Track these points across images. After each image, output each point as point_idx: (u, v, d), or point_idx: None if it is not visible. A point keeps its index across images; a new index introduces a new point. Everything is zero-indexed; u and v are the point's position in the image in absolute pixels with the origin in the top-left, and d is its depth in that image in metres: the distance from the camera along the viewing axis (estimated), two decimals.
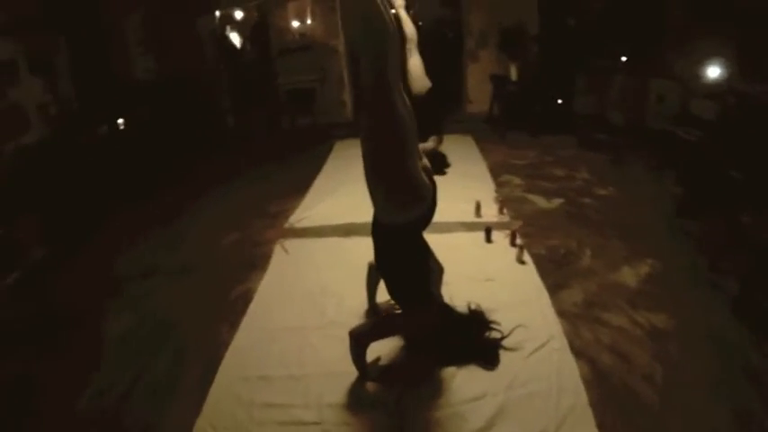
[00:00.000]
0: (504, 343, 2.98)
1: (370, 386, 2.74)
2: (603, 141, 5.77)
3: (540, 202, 4.78)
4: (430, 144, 5.51)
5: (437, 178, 5.26)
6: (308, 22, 6.93)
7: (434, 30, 7.94)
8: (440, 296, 3.11)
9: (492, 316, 3.20)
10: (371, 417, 2.54)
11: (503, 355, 2.92)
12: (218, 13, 6.85)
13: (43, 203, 4.68)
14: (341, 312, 3.37)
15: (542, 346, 3.04)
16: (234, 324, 3.33)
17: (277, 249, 4.42)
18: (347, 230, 4.64)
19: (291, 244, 4.57)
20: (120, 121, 5.93)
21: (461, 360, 2.85)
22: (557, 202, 4.75)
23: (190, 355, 3.12)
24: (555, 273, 3.77)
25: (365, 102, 2.32)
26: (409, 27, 5.28)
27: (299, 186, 5.60)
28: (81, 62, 5.90)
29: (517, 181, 5.23)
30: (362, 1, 2.14)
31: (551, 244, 4.12)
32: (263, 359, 3.00)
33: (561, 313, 3.35)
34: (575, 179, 5.15)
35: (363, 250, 3.90)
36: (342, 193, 5.34)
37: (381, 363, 2.89)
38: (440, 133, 5.55)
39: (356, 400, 2.66)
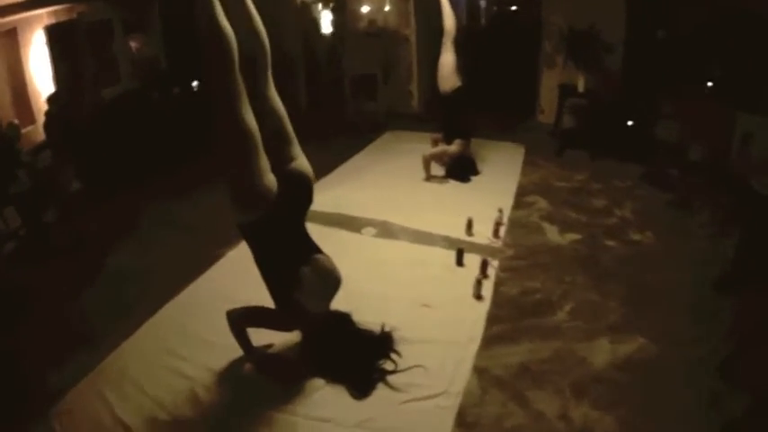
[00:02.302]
0: (390, 378, 2.55)
1: (248, 366, 2.69)
2: (673, 178, 4.40)
3: (552, 234, 3.74)
4: (453, 148, 4.73)
5: (450, 185, 4.74)
6: (386, 8, 6.40)
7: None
8: (324, 306, 2.61)
9: (401, 345, 2.73)
10: (229, 391, 2.54)
11: (380, 390, 2.49)
12: None
13: (103, 148, 4.86)
14: None
15: (428, 397, 2.43)
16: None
17: None
18: (336, 221, 4.24)
19: None
20: (195, 83, 5.98)
21: (335, 377, 2.57)
22: (571, 237, 3.68)
23: (153, 294, 3.28)
24: (511, 321, 2.89)
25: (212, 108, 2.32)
26: (449, 21, 4.62)
27: (327, 169, 5.14)
28: (173, 26, 6.05)
29: (542, 204, 4.19)
30: (205, 8, 2.12)
31: (530, 286, 3.17)
32: (192, 316, 3.08)
33: (481, 370, 2.55)
34: (612, 215, 3.97)
35: (333, 242, 3.73)
36: (354, 185, 4.87)
37: (271, 350, 2.79)
38: (467, 137, 4.74)
39: (231, 373, 2.66)
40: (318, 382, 2.55)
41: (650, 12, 4.78)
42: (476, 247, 3.62)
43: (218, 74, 2.21)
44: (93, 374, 2.67)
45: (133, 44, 5.65)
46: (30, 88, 4.62)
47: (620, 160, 4.69)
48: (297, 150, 2.55)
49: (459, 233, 3.83)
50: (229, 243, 3.71)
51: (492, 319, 2.90)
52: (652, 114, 4.56)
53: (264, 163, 2.35)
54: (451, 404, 2.36)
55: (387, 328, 2.80)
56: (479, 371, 2.53)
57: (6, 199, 3.76)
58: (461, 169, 4.77)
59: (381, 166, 5.27)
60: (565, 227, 3.82)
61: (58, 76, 4.67)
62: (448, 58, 4.62)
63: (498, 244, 3.69)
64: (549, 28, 5.49)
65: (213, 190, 4.66)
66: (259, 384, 2.58)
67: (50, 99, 4.43)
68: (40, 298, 3.40)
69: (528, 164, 5.00)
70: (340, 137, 6.23)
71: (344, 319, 2.79)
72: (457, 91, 4.65)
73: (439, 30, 4.92)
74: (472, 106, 4.82)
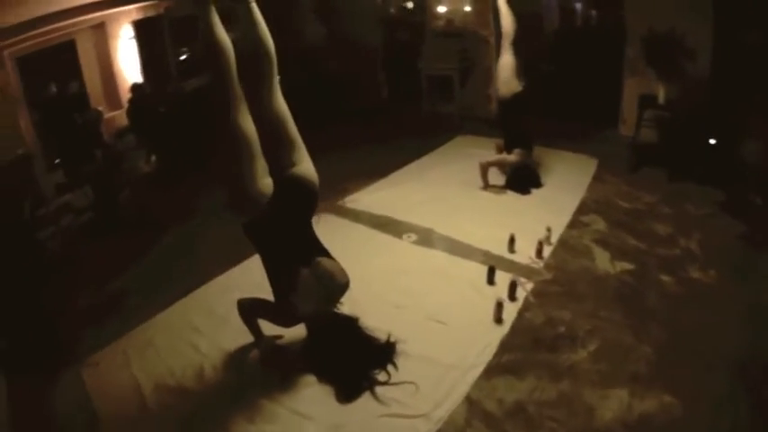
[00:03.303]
0: (378, 389, 2.48)
1: (255, 353, 2.80)
2: (756, 207, 3.59)
3: (602, 260, 3.29)
4: (512, 157, 4.35)
5: (507, 196, 4.40)
6: (467, 9, 6.05)
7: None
8: (316, 309, 2.57)
9: (401, 358, 2.64)
10: (231, 371, 2.70)
11: (365, 398, 2.44)
12: None
13: (178, 135, 5.23)
14: None
15: (407, 416, 2.33)
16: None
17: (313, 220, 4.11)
18: (381, 223, 4.20)
19: (328, 219, 4.32)
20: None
21: (327, 377, 2.57)
22: (621, 266, 3.20)
23: (195, 275, 3.52)
24: (523, 351, 2.62)
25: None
26: (507, 22, 4.26)
27: (391, 169, 5.05)
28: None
29: (600, 226, 3.70)
30: (203, 21, 2.19)
31: (557, 316, 2.83)
32: (222, 300, 3.21)
33: (473, 401, 2.35)
34: (675, 246, 3.38)
35: (371, 245, 3.84)
36: (410, 188, 4.75)
37: (279, 341, 2.85)
38: (527, 146, 4.32)
39: (238, 355, 2.80)
40: (311, 379, 2.57)
41: (740, 14, 3.96)
42: (514, 266, 3.34)
43: (215, 81, 2.24)
44: (123, 338, 3.03)
45: None
46: (117, 77, 5.14)
47: (700, 183, 4.01)
48: (300, 156, 2.51)
49: (500, 249, 3.54)
50: None
51: (504, 346, 2.63)
52: (739, 132, 3.80)
53: (260, 167, 2.34)
54: (427, 430, 2.21)
55: (392, 339, 2.72)
56: (470, 401, 2.32)
57: (85, 176, 4.21)
58: (522, 180, 4.39)
59: (443, 170, 5.05)
60: (618, 254, 3.34)
61: (144, 67, 5.11)
62: (507, 61, 4.21)
63: (539, 265, 3.35)
64: (631, 31, 4.83)
65: None
66: (258, 370, 2.68)
67: (133, 88, 4.86)
68: (95, 266, 3.78)
69: (596, 179, 4.45)
70: (415, 137, 6.08)
71: (351, 322, 2.75)
72: (516, 96, 4.22)
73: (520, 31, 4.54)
74: (532, 113, 4.35)
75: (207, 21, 2.16)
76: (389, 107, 7.28)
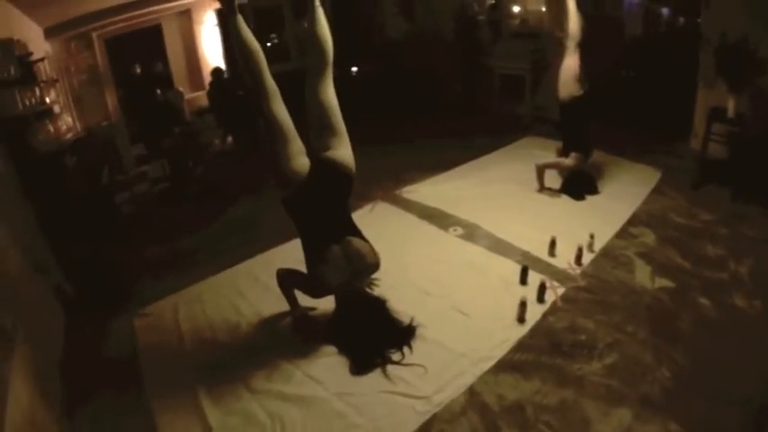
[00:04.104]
0: (389, 367, 2.54)
1: (288, 320, 2.95)
2: None
3: (642, 275, 3.07)
4: (568, 161, 4.13)
5: (560, 201, 4.26)
6: (543, 9, 5.72)
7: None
8: (349, 285, 2.69)
9: (417, 341, 2.69)
10: (262, 332, 2.90)
11: (375, 373, 2.51)
12: None
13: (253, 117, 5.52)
14: None
15: (408, 396, 2.39)
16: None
17: (367, 207, 4.33)
18: (431, 215, 4.23)
19: (382, 206, 4.46)
20: (354, 68, 6.27)
21: (345, 349, 2.66)
22: (660, 283, 2.97)
23: (252, 246, 3.76)
24: (537, 353, 2.56)
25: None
26: (573, 24, 4.00)
27: (453, 164, 5.03)
28: (342, 12, 6.31)
29: (648, 239, 3.43)
30: (233, 27, 2.36)
31: (581, 324, 2.72)
32: (268, 271, 3.27)
33: (474, 393, 2.36)
34: (724, 270, 3.05)
35: (416, 233, 3.89)
36: (466, 183, 4.73)
37: (312, 312, 2.98)
38: (584, 150, 4.07)
39: (272, 319, 2.99)
40: (331, 350, 2.67)
41: None
42: (549, 269, 3.23)
43: (248, 77, 2.42)
44: (176, 294, 3.31)
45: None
46: (201, 61, 5.46)
47: (764, 206, 3.56)
48: (338, 142, 2.63)
49: (541, 251, 3.43)
50: None
51: (520, 345, 2.59)
52: None
53: (295, 148, 2.52)
54: (425, 411, 2.25)
55: (414, 323, 2.76)
56: (472, 392, 2.32)
57: (163, 150, 4.57)
58: (578, 186, 4.19)
59: (503, 169, 4.94)
60: (660, 270, 3.10)
61: (226, 53, 5.36)
62: (569, 64, 3.95)
63: (576, 271, 3.20)
64: (705, 40, 4.30)
65: None
66: (286, 335, 2.84)
67: (213, 72, 5.13)
68: (162, 229, 4.08)
69: (655, 191, 4.11)
70: (483, 134, 5.96)
71: (378, 303, 2.82)
72: (575, 99, 3.99)
73: (591, 34, 4.26)
74: (603, 119, 4.06)
75: (234, 26, 2.33)
76: (462, 104, 7.17)
